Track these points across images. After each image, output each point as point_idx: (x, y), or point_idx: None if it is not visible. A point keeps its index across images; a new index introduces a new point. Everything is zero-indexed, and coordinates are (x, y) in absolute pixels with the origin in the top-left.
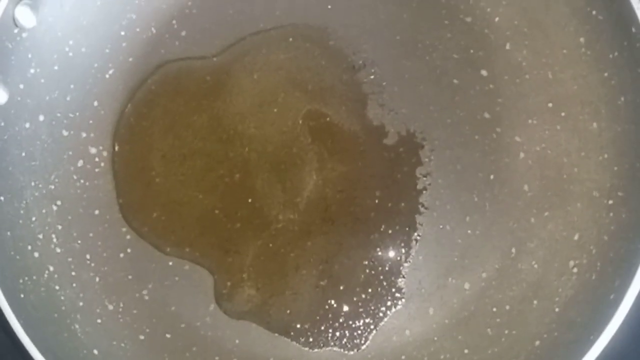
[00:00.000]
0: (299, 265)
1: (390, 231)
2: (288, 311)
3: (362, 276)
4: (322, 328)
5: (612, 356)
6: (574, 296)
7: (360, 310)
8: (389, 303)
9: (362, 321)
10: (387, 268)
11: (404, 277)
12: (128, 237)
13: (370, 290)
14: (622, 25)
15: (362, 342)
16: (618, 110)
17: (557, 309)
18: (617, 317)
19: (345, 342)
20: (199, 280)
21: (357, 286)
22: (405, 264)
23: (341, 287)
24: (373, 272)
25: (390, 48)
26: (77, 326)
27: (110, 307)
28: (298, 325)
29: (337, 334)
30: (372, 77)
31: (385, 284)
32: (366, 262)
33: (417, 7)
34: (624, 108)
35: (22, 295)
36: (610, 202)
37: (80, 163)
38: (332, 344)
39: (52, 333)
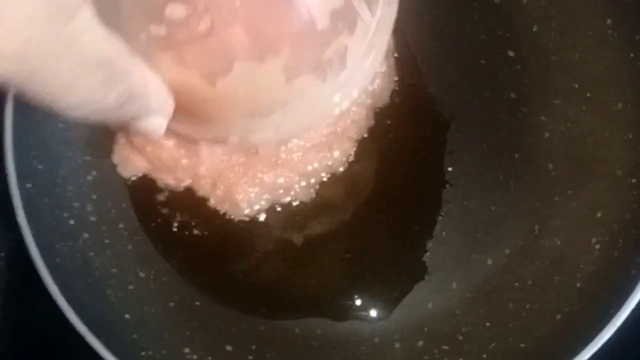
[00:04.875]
0: (325, 238)
1: (415, 207)
2: (314, 282)
3: (387, 250)
4: (347, 300)
5: (630, 329)
6: (595, 272)
7: (385, 283)
8: (413, 277)
9: (386, 294)
10: (411, 243)
11: (427, 252)
12: (160, 208)
13: (394, 264)
14: None
15: (386, 314)
16: None
17: (578, 285)
18: (638, 292)
19: (369, 314)
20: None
21: (381, 260)
22: (430, 239)
23: (366, 260)
24: (398, 246)
25: (418, 29)
26: (110, 291)
27: (142, 275)
28: (323, 297)
29: (362, 306)
30: (401, 57)
31: (409, 258)
32: (391, 237)
33: None
34: None
35: (58, 260)
36: (634, 180)
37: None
38: (356, 315)
39: (86, 297)
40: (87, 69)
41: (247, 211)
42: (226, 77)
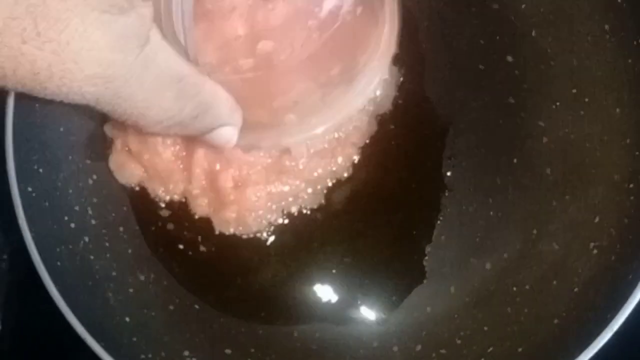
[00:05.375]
0: (324, 241)
1: (414, 211)
2: (313, 286)
3: (386, 254)
4: (346, 304)
5: (628, 334)
6: (593, 277)
7: (384, 287)
8: (411, 281)
9: (385, 298)
10: (410, 247)
11: (426, 256)
12: (160, 212)
13: (393, 268)
14: None
15: (385, 318)
16: None
17: (576, 289)
18: (635, 296)
19: (368, 318)
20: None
21: (380, 263)
22: (428, 244)
23: (365, 264)
24: (397, 250)
25: (418, 35)
26: (110, 294)
27: (142, 278)
28: (322, 301)
29: (360, 310)
30: (400, 61)
31: (408, 262)
32: (390, 241)
33: None
34: None
35: (58, 263)
36: (631, 185)
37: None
38: (355, 319)
39: (86, 300)
40: (163, 86)
41: (254, 228)
42: (285, 95)
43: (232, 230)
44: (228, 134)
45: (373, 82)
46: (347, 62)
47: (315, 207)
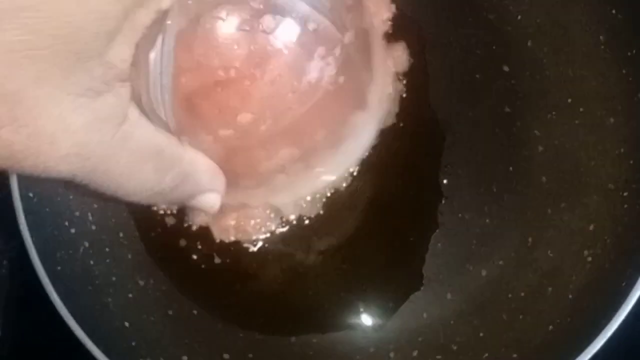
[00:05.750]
0: (322, 249)
1: (411, 219)
2: (310, 292)
3: (383, 261)
4: (343, 310)
5: (621, 340)
6: (587, 284)
7: (380, 293)
8: (408, 287)
9: (381, 304)
10: (407, 254)
11: (423, 263)
12: (159, 218)
13: (390, 274)
14: None
15: (381, 324)
16: (635, 106)
17: (570, 296)
18: (628, 303)
19: (365, 324)
20: None
21: (377, 270)
22: (425, 251)
23: (362, 271)
24: (394, 257)
25: (414, 44)
26: (109, 299)
27: (141, 283)
28: (319, 307)
29: (357, 316)
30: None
31: (405, 269)
32: (387, 248)
33: (441, 3)
34: None
35: (59, 268)
36: (625, 194)
37: None
38: (352, 325)
39: (86, 305)
40: (142, 160)
41: (254, 236)
42: (269, 161)
43: (231, 238)
44: (211, 200)
45: (363, 141)
46: (332, 127)
47: (313, 215)
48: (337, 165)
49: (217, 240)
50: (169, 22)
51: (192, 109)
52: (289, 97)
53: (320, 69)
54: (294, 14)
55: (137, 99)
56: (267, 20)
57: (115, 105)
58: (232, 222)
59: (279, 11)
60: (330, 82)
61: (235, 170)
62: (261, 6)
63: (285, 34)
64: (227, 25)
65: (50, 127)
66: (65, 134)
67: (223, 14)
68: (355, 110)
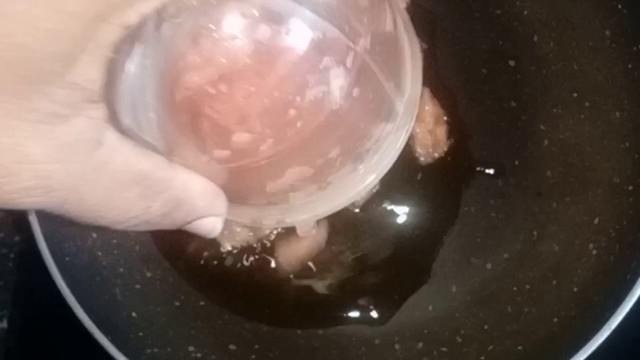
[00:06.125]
0: (328, 241)
1: (417, 212)
2: (316, 284)
3: (389, 254)
4: (349, 302)
5: (625, 332)
6: (592, 277)
7: (386, 286)
8: (413, 280)
9: (387, 297)
10: (412, 247)
11: (428, 256)
12: None
13: (395, 267)
14: None
15: (387, 316)
16: None
17: (575, 289)
18: (633, 296)
19: (370, 316)
20: None
21: (383, 263)
22: (430, 244)
23: (368, 264)
24: (399, 250)
25: (419, 39)
26: (117, 290)
27: (148, 275)
28: (325, 299)
29: (363, 308)
30: None
31: (410, 261)
32: (393, 241)
33: None
34: None
35: (67, 259)
36: (630, 187)
37: None
38: (357, 317)
39: (94, 295)
40: (122, 187)
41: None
42: (277, 181)
43: (238, 230)
44: (209, 225)
45: (389, 155)
46: (349, 143)
47: None
48: (357, 184)
49: (224, 249)
50: (149, 31)
51: (184, 127)
52: (291, 114)
53: (327, 82)
54: (294, 21)
55: (116, 121)
56: (263, 30)
57: (86, 130)
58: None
59: (276, 19)
60: (341, 96)
61: (241, 191)
62: (257, 14)
63: (283, 44)
64: (218, 37)
65: (7, 158)
66: (22, 165)
67: (214, 23)
68: (380, 122)
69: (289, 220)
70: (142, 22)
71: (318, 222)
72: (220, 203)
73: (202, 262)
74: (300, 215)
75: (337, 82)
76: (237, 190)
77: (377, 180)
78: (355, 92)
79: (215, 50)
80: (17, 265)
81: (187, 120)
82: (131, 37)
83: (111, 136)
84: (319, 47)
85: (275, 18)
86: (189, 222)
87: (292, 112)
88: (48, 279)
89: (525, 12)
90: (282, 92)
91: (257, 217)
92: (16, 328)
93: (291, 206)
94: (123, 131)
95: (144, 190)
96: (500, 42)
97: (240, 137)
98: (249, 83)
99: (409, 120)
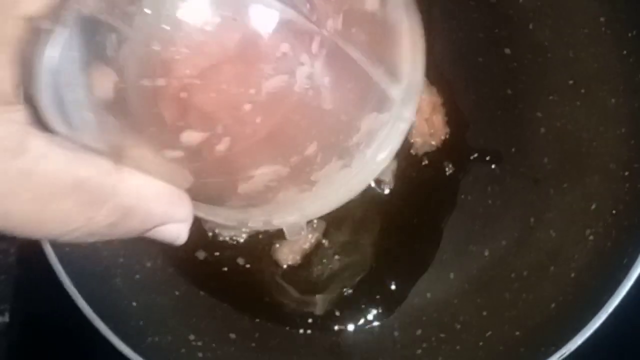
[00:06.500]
0: (326, 230)
1: (415, 201)
2: (315, 273)
3: (387, 242)
4: (348, 289)
5: (622, 316)
6: (589, 262)
7: (385, 274)
8: (412, 268)
9: (386, 284)
10: (411, 235)
11: (426, 243)
12: None
13: (394, 255)
14: None
15: (386, 303)
16: (635, 86)
17: (572, 275)
18: (629, 280)
19: (370, 303)
20: None
21: (381, 251)
22: (429, 232)
23: (367, 252)
24: (397, 238)
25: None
26: (118, 280)
27: (149, 265)
28: (324, 287)
29: (362, 295)
30: None
31: (409, 249)
32: (391, 229)
33: None
34: None
35: (67, 249)
36: (627, 173)
37: None
38: (357, 304)
39: (95, 285)
40: (56, 196)
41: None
42: (248, 182)
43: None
44: (173, 233)
45: (385, 149)
46: (329, 138)
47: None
48: (350, 181)
49: (223, 240)
50: (71, 20)
51: (129, 126)
52: (246, 110)
53: (288, 72)
54: (241, 5)
55: (44, 123)
56: (203, 14)
57: (3, 137)
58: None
59: (221, 3)
60: (308, 87)
61: (212, 193)
62: None
63: (228, 30)
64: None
65: None
66: None
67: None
68: (369, 112)
69: (277, 222)
70: (58, 11)
71: (310, 222)
72: (182, 208)
73: (199, 254)
74: (288, 216)
75: (302, 70)
76: (207, 192)
77: (373, 177)
78: (328, 80)
79: (150, 37)
80: (17, 259)
81: (133, 118)
82: (46, 28)
83: (36, 141)
84: (274, 32)
85: (220, 2)
86: (147, 231)
87: (247, 106)
88: (49, 271)
89: (521, 0)
90: (231, 85)
91: (242, 219)
92: (18, 321)
93: (277, 207)
94: (54, 134)
95: (83, 199)
96: (496, 30)
97: (190, 137)
98: (192, 77)
99: (410, 109)
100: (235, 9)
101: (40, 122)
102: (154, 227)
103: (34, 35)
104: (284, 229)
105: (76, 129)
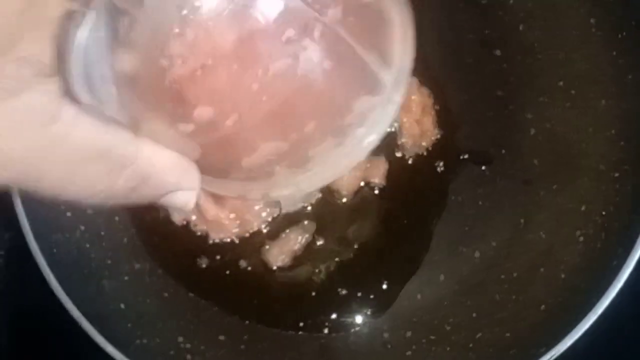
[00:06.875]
0: (317, 231)
1: (405, 202)
2: (304, 274)
3: (377, 243)
4: (337, 291)
5: (612, 317)
6: (579, 263)
7: (375, 275)
8: (402, 269)
9: (376, 285)
10: (401, 236)
11: (417, 245)
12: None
13: (384, 256)
14: (631, 7)
15: (376, 305)
16: (625, 88)
17: (562, 276)
18: (618, 281)
19: (360, 305)
20: None
21: (372, 252)
22: (419, 233)
23: (357, 252)
24: (388, 239)
25: None
26: (105, 282)
27: (137, 266)
28: (314, 288)
29: (352, 297)
30: None
31: (399, 251)
32: (382, 230)
33: None
34: (630, 85)
35: (55, 251)
36: (616, 175)
37: None
38: (346, 306)
39: (82, 287)
40: (84, 162)
41: (254, 223)
42: (251, 156)
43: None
44: (183, 199)
45: (376, 131)
46: (326, 117)
47: (312, 202)
48: (343, 159)
49: (212, 242)
50: (100, 2)
51: (147, 100)
52: (253, 89)
53: (292, 56)
54: None
55: (74, 95)
56: (219, 2)
57: (40, 105)
58: (232, 216)
59: None
60: (311, 70)
61: (217, 165)
62: None
63: (241, 16)
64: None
65: None
66: None
67: None
68: (362, 95)
69: (274, 195)
70: None
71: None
72: (191, 177)
73: (188, 257)
74: (284, 190)
75: (305, 55)
76: (213, 164)
77: (364, 156)
78: (327, 64)
79: (167, 27)
80: (5, 261)
81: (150, 93)
82: (81, 9)
83: (68, 110)
84: (281, 19)
85: None
86: (160, 197)
87: (254, 86)
88: (37, 273)
89: (511, 2)
90: (242, 66)
91: (242, 191)
92: (5, 322)
93: (275, 181)
94: (83, 105)
95: (106, 165)
96: (486, 32)
97: (203, 111)
98: (205, 58)
99: (399, 93)
100: None
101: (71, 94)
102: (167, 193)
103: (68, 17)
104: (281, 202)
105: (102, 102)
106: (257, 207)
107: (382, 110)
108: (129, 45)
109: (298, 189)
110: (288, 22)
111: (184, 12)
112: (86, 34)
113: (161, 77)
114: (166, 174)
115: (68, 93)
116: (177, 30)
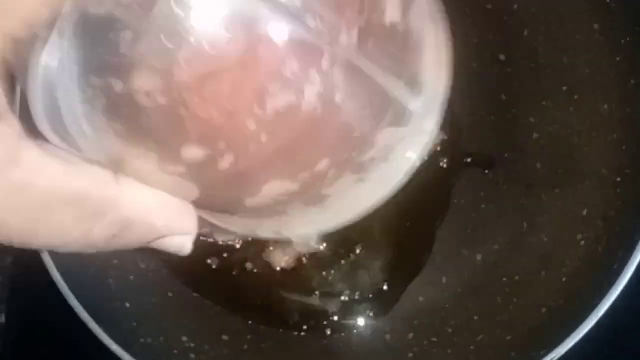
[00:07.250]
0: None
1: (407, 204)
2: (306, 276)
3: (379, 245)
4: (339, 293)
5: (612, 320)
6: (580, 267)
7: (377, 277)
8: (404, 271)
9: (377, 288)
10: (403, 239)
11: (419, 247)
12: None
13: (386, 259)
14: (634, 12)
15: (378, 307)
16: (628, 93)
17: (564, 279)
18: (619, 284)
19: (361, 307)
20: None
21: (374, 255)
22: (421, 236)
23: (360, 255)
24: (389, 242)
25: None
26: (111, 281)
27: (142, 266)
28: (316, 290)
29: (354, 299)
30: None
31: (401, 253)
32: (384, 233)
33: None
34: (633, 90)
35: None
36: (618, 179)
37: None
38: (348, 308)
39: (88, 286)
40: (51, 210)
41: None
42: (255, 196)
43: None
44: (177, 244)
45: (402, 163)
46: (340, 154)
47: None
48: (365, 197)
49: (217, 243)
50: (69, 32)
51: (129, 138)
52: (251, 127)
53: (296, 89)
54: (242, 20)
55: (40, 135)
56: (203, 30)
57: None
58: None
59: (220, 17)
60: (317, 105)
61: (219, 204)
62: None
63: (229, 46)
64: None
65: None
66: None
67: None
68: (385, 126)
69: (286, 233)
70: (51, 25)
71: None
72: (186, 220)
73: (192, 256)
74: (299, 229)
75: (312, 88)
76: (214, 202)
77: (390, 193)
78: (339, 98)
79: (146, 57)
80: (13, 260)
81: (132, 130)
82: (42, 39)
83: (30, 154)
84: (280, 50)
85: (217, 16)
86: (149, 242)
87: (251, 124)
88: (44, 272)
89: (515, 6)
90: (233, 103)
91: (250, 229)
92: (14, 322)
93: (289, 218)
94: (49, 146)
95: (80, 211)
96: (491, 37)
97: (190, 152)
98: (191, 94)
99: (431, 121)
100: (240, 24)
101: (36, 133)
102: (156, 239)
103: (30, 43)
104: (293, 241)
105: (74, 139)
106: None
107: (412, 142)
108: (114, 73)
109: (314, 227)
110: (288, 52)
111: (170, 45)
112: (55, 62)
113: (143, 113)
114: (154, 219)
115: (30, 133)
116: (163, 62)
